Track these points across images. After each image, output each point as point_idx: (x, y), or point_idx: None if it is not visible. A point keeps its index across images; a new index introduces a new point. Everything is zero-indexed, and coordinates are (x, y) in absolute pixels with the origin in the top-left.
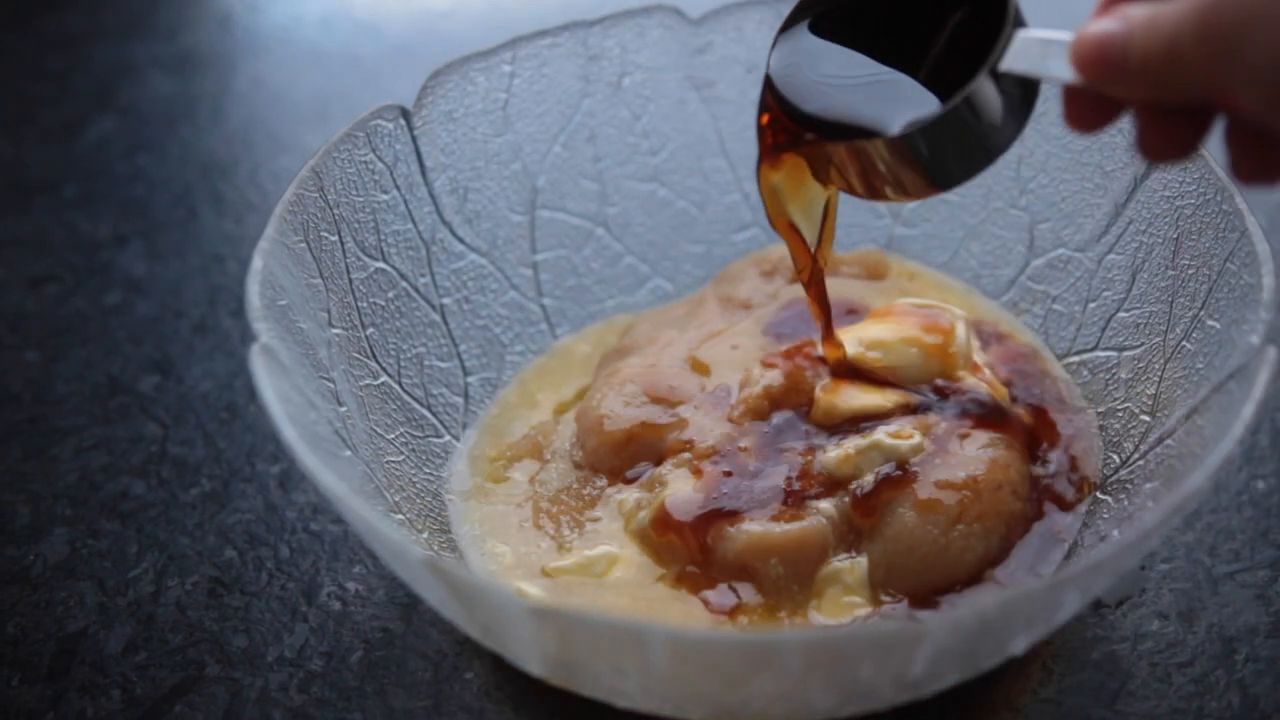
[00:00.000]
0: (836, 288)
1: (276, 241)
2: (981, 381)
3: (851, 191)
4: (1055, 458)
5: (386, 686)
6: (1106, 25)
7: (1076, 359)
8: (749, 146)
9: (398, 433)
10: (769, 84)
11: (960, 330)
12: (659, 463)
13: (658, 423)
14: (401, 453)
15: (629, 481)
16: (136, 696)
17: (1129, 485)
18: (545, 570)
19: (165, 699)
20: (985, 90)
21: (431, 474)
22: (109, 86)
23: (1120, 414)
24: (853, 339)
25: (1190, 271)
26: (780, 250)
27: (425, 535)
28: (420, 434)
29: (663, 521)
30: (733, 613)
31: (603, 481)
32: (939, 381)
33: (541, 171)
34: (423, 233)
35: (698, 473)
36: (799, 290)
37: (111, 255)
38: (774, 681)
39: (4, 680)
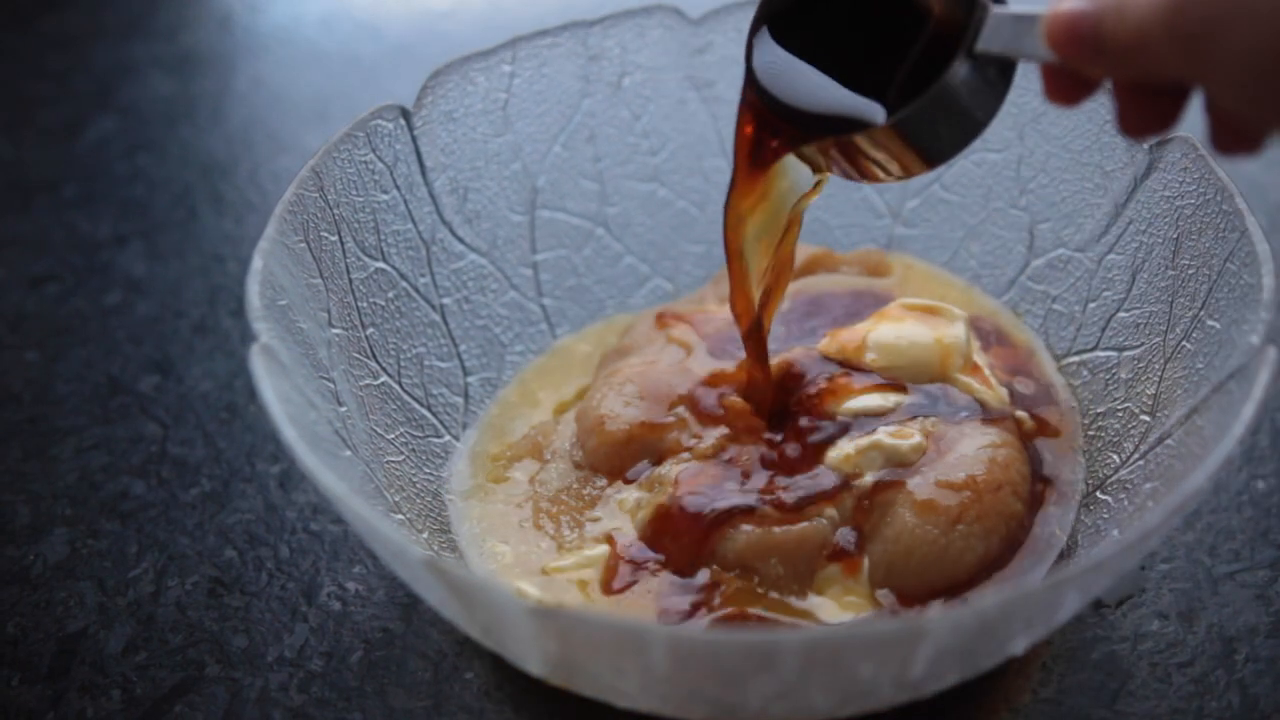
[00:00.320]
0: (846, 282)
1: (276, 241)
2: (981, 381)
3: (843, 176)
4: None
5: (386, 686)
6: (1076, 4)
7: (1076, 359)
8: None
9: (398, 433)
10: (757, 89)
11: (960, 330)
12: (659, 462)
13: (658, 423)
14: (401, 453)
15: (629, 481)
16: (136, 696)
17: (1129, 485)
18: (545, 570)
19: (165, 699)
20: (963, 72)
21: (431, 474)
22: (109, 86)
23: (1120, 414)
24: (852, 339)
25: (1190, 271)
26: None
27: (425, 535)
28: (420, 434)
29: (661, 521)
30: (705, 596)
31: (603, 481)
32: (938, 381)
33: (541, 171)
34: (423, 233)
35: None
36: (803, 285)
37: (111, 255)
38: (774, 681)
39: (4, 680)
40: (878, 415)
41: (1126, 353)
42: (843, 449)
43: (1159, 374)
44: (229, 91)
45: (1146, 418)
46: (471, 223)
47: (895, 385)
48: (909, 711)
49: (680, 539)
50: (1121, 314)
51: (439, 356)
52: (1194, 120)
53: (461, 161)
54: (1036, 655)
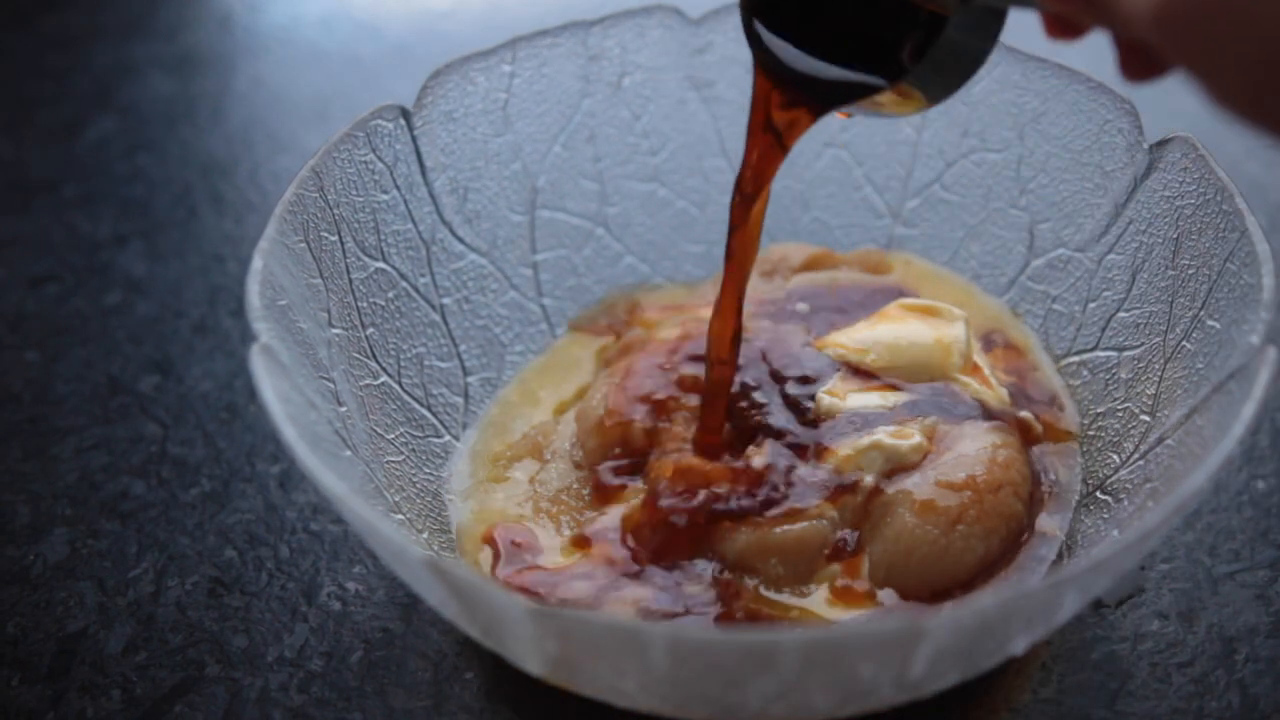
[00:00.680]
0: (855, 278)
1: (276, 241)
2: (981, 381)
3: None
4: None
5: (386, 686)
6: None
7: (1076, 359)
8: None
9: (398, 433)
10: (771, 70)
11: (960, 330)
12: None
13: (658, 422)
14: (401, 453)
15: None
16: (136, 696)
17: (1129, 485)
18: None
19: (165, 699)
20: (962, 23)
21: (431, 474)
22: (109, 86)
23: (1120, 414)
24: (853, 339)
25: (1190, 271)
26: (781, 250)
27: (425, 535)
28: (420, 434)
29: (659, 519)
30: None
31: None
32: (938, 381)
33: (541, 171)
34: (423, 233)
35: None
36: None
37: (111, 255)
38: (774, 681)
39: (4, 680)
40: (878, 415)
41: (1126, 353)
42: (843, 449)
43: (1159, 374)
44: (229, 91)
45: (1146, 418)
46: (471, 223)
47: (895, 385)
48: (909, 711)
49: (672, 539)
50: (1121, 314)
51: (439, 356)
52: (1195, 120)
53: (461, 161)
54: (1036, 655)
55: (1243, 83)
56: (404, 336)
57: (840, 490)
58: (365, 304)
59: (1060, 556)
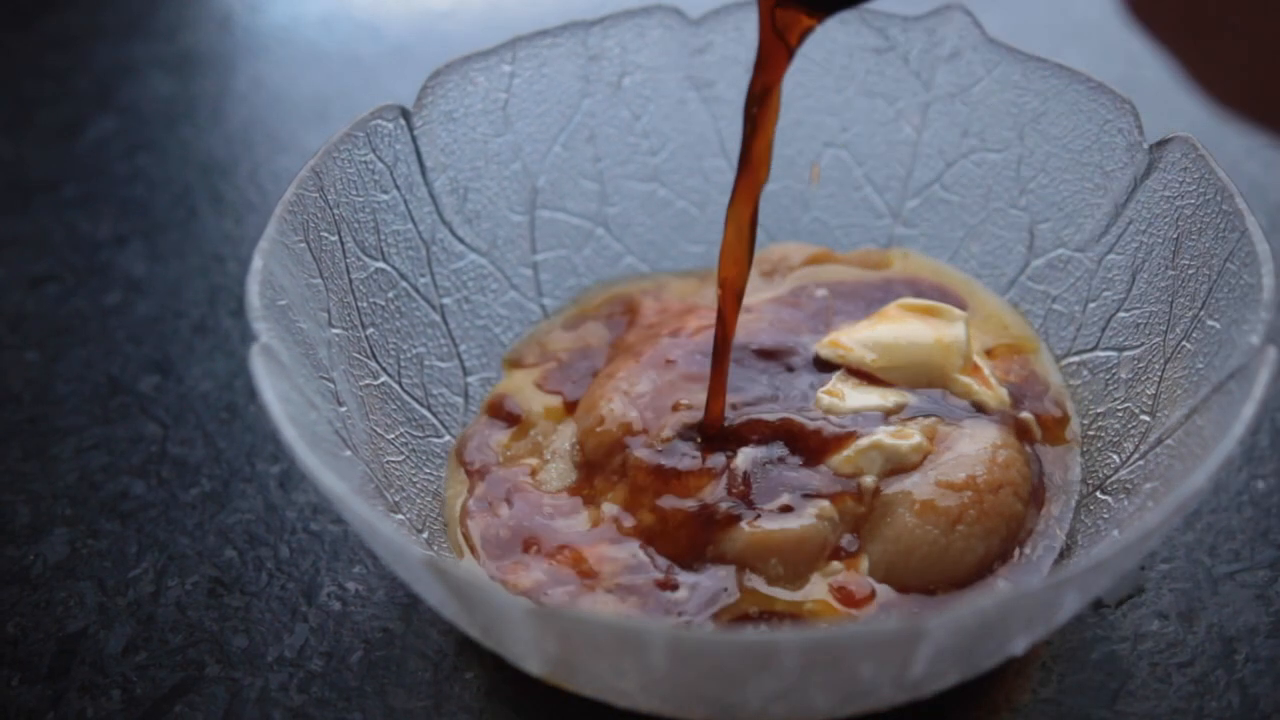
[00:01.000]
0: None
1: (276, 241)
2: (981, 382)
3: None
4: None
5: (386, 686)
6: None
7: (1076, 359)
8: None
9: (398, 433)
10: None
11: (960, 330)
12: None
13: (658, 422)
14: (401, 453)
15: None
16: (136, 696)
17: (1129, 485)
18: None
19: (165, 699)
20: None
21: (431, 474)
22: (109, 86)
23: (1120, 414)
24: (853, 339)
25: (1190, 271)
26: (781, 250)
27: (425, 535)
28: (420, 434)
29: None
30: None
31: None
32: (938, 382)
33: (541, 171)
34: (423, 233)
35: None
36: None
37: (111, 255)
38: (774, 681)
39: (4, 680)
40: (878, 415)
41: (1126, 353)
42: (843, 449)
43: (1159, 374)
44: (229, 91)
45: (1146, 418)
46: (471, 223)
47: (895, 385)
48: (909, 711)
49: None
50: (1121, 314)
51: (439, 356)
52: (1195, 120)
53: (461, 161)
54: (1036, 655)
55: None
56: (404, 336)
57: (840, 490)
58: (365, 304)
59: (1060, 556)
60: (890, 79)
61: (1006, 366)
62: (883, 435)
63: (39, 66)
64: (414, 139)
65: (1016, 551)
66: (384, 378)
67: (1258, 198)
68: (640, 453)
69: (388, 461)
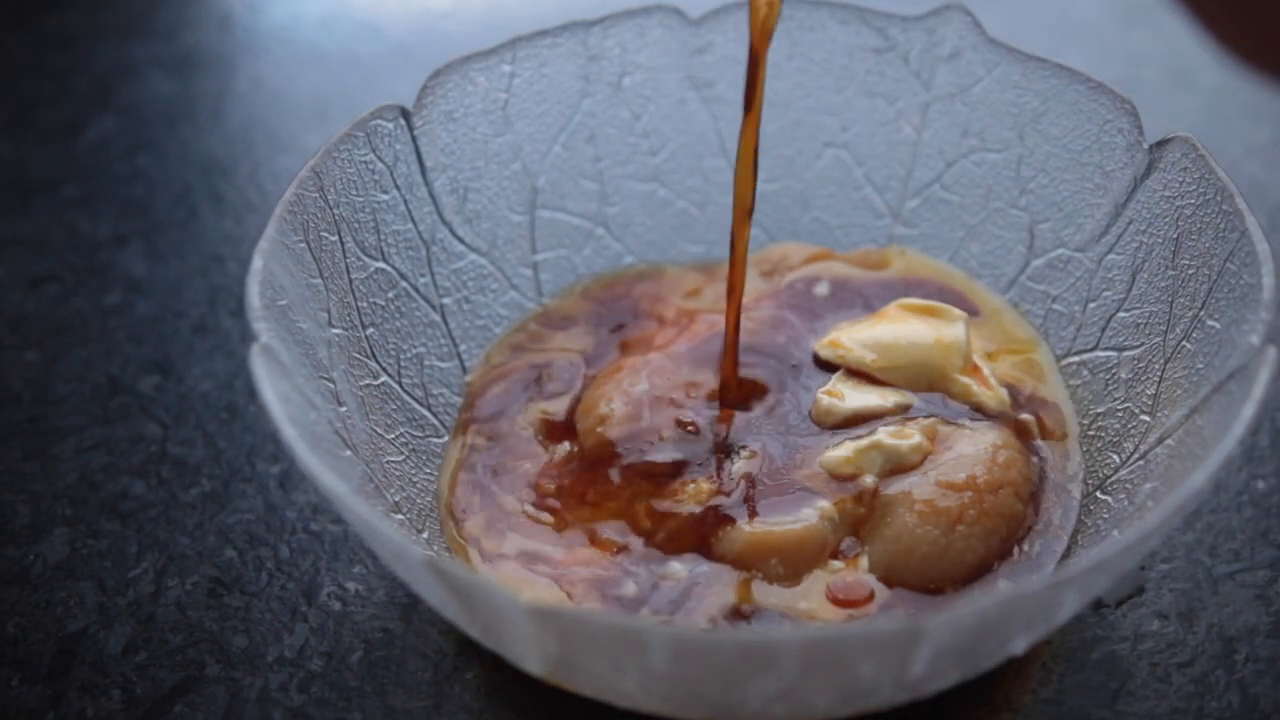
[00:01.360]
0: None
1: (276, 241)
2: (981, 382)
3: None
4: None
5: (386, 686)
6: None
7: (1076, 359)
8: None
9: (398, 433)
10: None
11: (960, 330)
12: None
13: (658, 422)
14: (401, 453)
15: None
16: (136, 696)
17: (1129, 485)
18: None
19: (165, 699)
20: None
21: (431, 474)
22: (109, 86)
23: (1120, 414)
24: (853, 339)
25: (1190, 271)
26: (781, 250)
27: (425, 535)
28: (420, 434)
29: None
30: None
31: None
32: (938, 382)
33: (541, 171)
34: (423, 233)
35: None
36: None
37: (111, 255)
38: (774, 681)
39: (4, 680)
40: (878, 415)
41: (1126, 353)
42: (843, 449)
43: (1159, 374)
44: (229, 91)
45: (1146, 418)
46: (471, 223)
47: (895, 385)
48: (909, 711)
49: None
50: (1121, 314)
51: (439, 356)
52: (1195, 120)
53: (461, 161)
54: (1036, 655)
55: None
56: (404, 336)
57: (840, 491)
58: (365, 304)
59: (1060, 557)
60: (890, 79)
61: (1006, 367)
62: (883, 435)
63: (39, 66)
64: (414, 139)
65: (1016, 551)
66: (384, 378)
67: (1258, 198)
68: (640, 452)
69: (388, 461)
